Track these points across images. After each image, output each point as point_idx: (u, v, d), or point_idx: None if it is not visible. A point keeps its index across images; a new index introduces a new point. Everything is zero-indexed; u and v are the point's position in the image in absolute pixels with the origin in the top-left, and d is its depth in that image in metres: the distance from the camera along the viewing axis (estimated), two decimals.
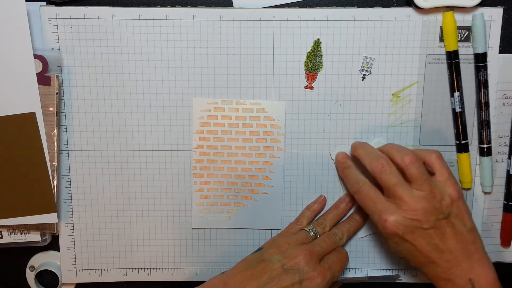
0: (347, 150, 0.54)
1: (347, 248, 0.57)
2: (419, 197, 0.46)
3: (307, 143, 0.55)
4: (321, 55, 0.53)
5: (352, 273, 0.57)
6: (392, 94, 0.54)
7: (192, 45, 0.53)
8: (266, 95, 0.54)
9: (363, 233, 0.56)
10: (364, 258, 0.57)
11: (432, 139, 0.55)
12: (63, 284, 0.58)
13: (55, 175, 0.53)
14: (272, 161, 0.55)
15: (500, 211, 0.56)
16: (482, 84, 0.52)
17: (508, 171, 0.55)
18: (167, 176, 0.56)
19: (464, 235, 0.46)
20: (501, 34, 0.52)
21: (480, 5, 0.51)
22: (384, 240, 0.50)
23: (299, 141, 0.55)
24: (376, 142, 0.54)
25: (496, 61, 0.53)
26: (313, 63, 0.53)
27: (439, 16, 0.52)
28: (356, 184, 0.49)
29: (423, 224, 0.45)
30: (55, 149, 0.52)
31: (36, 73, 0.50)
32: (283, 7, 0.52)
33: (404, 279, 0.57)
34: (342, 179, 0.54)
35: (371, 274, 0.57)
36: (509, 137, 0.55)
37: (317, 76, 0.53)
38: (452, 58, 0.52)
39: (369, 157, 0.49)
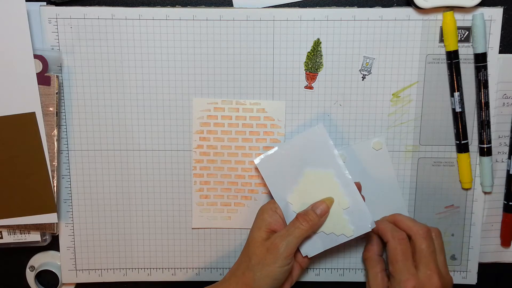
0: (347, 150, 0.54)
1: (346, 249, 0.57)
2: (442, 274, 0.48)
3: None
4: (321, 55, 0.53)
5: (352, 274, 0.57)
6: (392, 94, 0.54)
7: (192, 45, 0.53)
8: (266, 95, 0.54)
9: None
10: None
11: (432, 139, 0.55)
12: (63, 284, 0.58)
13: (55, 175, 0.53)
14: None
15: (500, 211, 0.56)
16: (482, 84, 0.52)
17: (508, 171, 0.55)
18: (167, 176, 0.56)
19: None
20: (501, 34, 0.52)
21: (480, 5, 0.50)
22: None
23: None
24: (376, 142, 0.54)
25: (496, 61, 0.53)
26: (313, 63, 0.53)
27: (439, 16, 0.52)
28: (399, 232, 0.49)
29: None
30: (55, 149, 0.52)
31: (36, 73, 0.50)
32: (283, 7, 0.52)
33: None
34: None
35: None
36: (509, 137, 0.55)
37: (317, 76, 0.53)
38: (452, 58, 0.52)
39: (415, 222, 0.50)
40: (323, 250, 0.51)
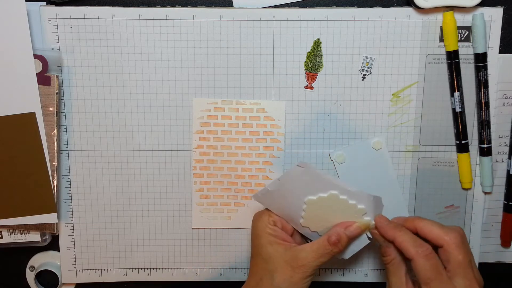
0: (347, 150, 0.54)
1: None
2: (479, 280, 0.44)
3: (307, 143, 0.55)
4: (321, 55, 0.53)
5: (353, 274, 0.57)
6: (392, 94, 0.54)
7: (192, 45, 0.53)
8: (266, 95, 0.54)
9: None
10: (364, 258, 0.57)
11: (432, 139, 0.55)
12: (63, 284, 0.58)
13: (55, 175, 0.53)
14: (272, 161, 0.55)
15: (500, 211, 0.56)
16: (482, 84, 0.52)
17: (508, 171, 0.55)
18: (167, 176, 0.56)
19: None
20: (501, 34, 0.52)
21: (480, 5, 0.50)
22: None
23: (299, 141, 0.55)
24: (376, 141, 0.54)
25: (496, 61, 0.53)
26: (313, 63, 0.53)
27: (439, 16, 0.52)
28: (423, 246, 0.44)
29: None
30: (55, 149, 0.52)
31: (36, 73, 0.50)
32: (283, 7, 0.52)
33: None
34: (383, 243, 0.47)
35: (371, 274, 0.57)
36: (509, 137, 0.55)
37: (317, 76, 0.53)
38: (452, 58, 0.52)
39: (444, 228, 0.45)
40: (358, 251, 0.49)
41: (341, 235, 0.46)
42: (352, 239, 0.47)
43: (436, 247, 0.45)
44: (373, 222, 0.47)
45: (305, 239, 0.51)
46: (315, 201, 0.47)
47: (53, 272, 0.57)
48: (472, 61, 0.53)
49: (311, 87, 0.54)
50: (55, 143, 0.52)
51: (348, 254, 0.50)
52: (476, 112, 0.54)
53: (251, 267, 0.49)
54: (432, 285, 0.42)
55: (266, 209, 0.50)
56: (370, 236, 0.48)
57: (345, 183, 0.47)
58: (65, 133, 0.54)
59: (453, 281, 0.43)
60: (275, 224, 0.49)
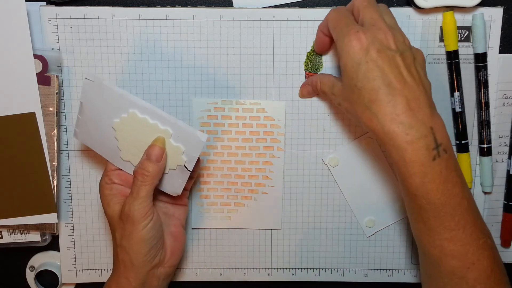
0: (339, 152, 0.54)
1: (346, 249, 0.57)
2: (391, 25, 0.44)
3: (307, 143, 0.55)
4: (321, 55, 0.53)
5: (353, 274, 0.57)
6: None
7: (192, 45, 0.53)
8: (266, 95, 0.54)
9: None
10: (364, 258, 0.57)
11: None
12: (63, 284, 0.58)
13: (55, 175, 0.53)
14: (272, 161, 0.55)
15: (500, 211, 0.56)
16: (482, 84, 0.52)
17: (508, 171, 0.55)
18: None
19: (424, 80, 0.43)
20: (501, 34, 0.52)
21: (480, 5, 0.50)
22: (342, 69, 0.44)
23: (299, 141, 0.55)
24: (332, 158, 0.54)
25: (496, 61, 0.53)
26: (313, 63, 0.53)
27: (439, 16, 0.52)
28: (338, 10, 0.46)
29: (391, 46, 0.42)
30: (55, 149, 0.52)
31: (36, 73, 0.50)
32: (283, 7, 0.52)
33: (404, 279, 0.57)
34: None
35: (371, 274, 0.57)
36: (509, 137, 0.55)
37: None
38: (452, 58, 0.52)
39: None
40: (185, 183, 0.48)
41: (143, 161, 0.45)
42: (159, 160, 0.45)
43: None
44: (171, 133, 0.44)
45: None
46: (120, 124, 0.45)
47: (53, 272, 0.57)
48: (472, 61, 0.53)
49: None
50: (55, 143, 0.52)
51: (178, 189, 0.48)
52: (476, 112, 0.54)
53: None
54: (338, 28, 0.44)
55: (105, 169, 0.49)
56: (190, 168, 0.46)
57: (143, 101, 0.44)
58: (65, 133, 0.54)
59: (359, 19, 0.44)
60: (112, 181, 0.48)
